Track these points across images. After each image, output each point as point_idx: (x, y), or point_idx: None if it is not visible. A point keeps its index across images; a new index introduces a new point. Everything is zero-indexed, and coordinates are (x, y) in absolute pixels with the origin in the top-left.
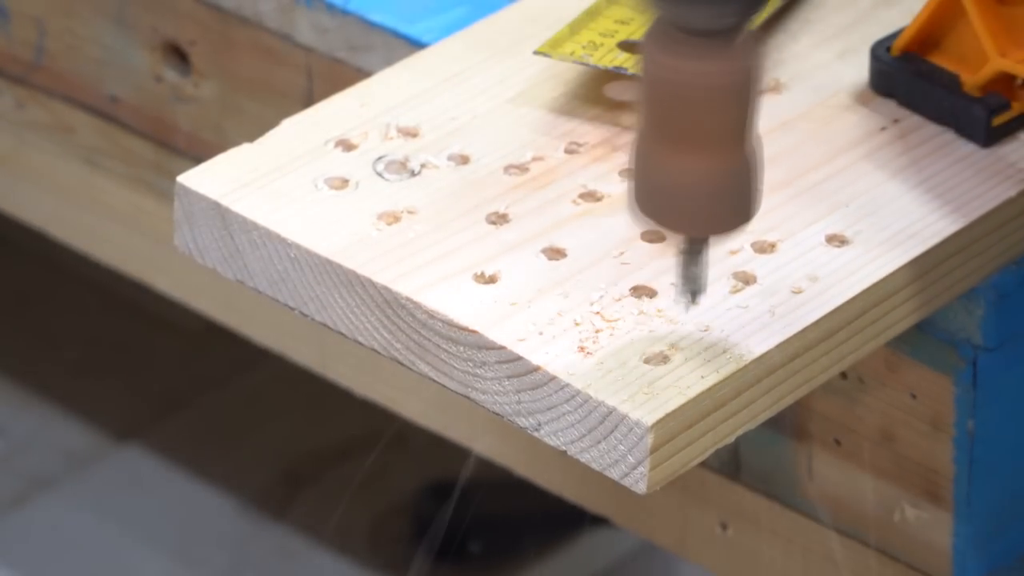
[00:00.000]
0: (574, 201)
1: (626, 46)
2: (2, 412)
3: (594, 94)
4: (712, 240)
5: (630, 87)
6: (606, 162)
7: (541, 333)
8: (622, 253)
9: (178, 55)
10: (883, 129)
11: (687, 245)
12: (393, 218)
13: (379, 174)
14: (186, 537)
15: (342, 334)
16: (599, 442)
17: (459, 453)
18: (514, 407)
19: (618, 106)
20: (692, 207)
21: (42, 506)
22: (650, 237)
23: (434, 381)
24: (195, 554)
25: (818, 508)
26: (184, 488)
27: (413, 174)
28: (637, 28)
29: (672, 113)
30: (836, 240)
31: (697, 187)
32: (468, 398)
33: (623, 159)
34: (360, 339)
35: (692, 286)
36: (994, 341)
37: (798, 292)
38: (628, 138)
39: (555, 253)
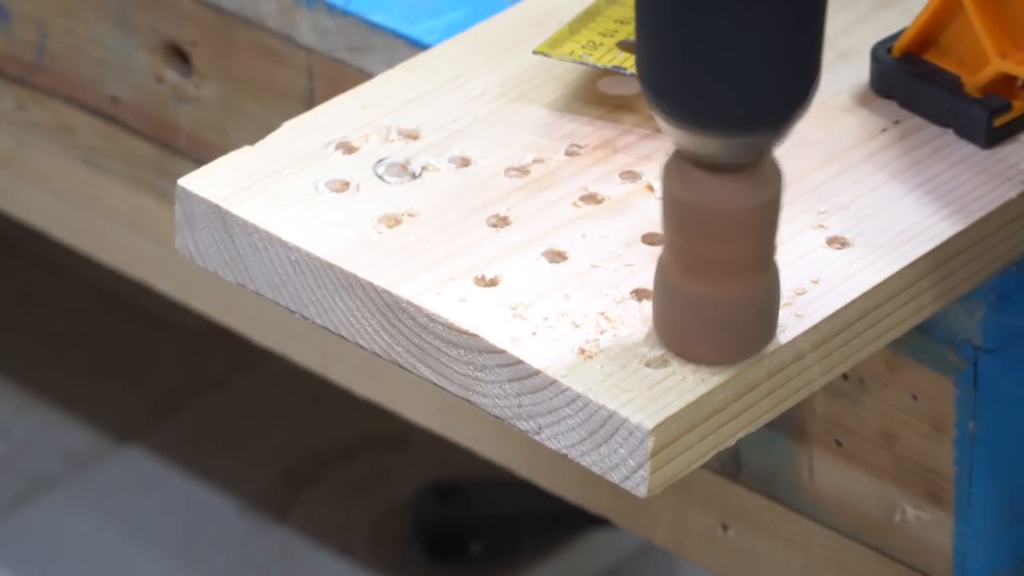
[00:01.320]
0: (575, 203)
1: (626, 45)
2: (3, 413)
3: (595, 96)
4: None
5: (627, 82)
6: (607, 164)
7: (542, 336)
8: (623, 255)
9: (179, 56)
10: (883, 131)
11: None
12: (394, 221)
13: (380, 177)
14: (187, 538)
15: (343, 337)
16: (600, 446)
17: (459, 454)
18: (515, 410)
19: (619, 108)
20: (715, 337)
21: (43, 507)
22: (651, 239)
23: (435, 384)
24: (196, 555)
25: (819, 509)
26: (185, 489)
27: (414, 177)
28: None
29: (695, 247)
30: (837, 242)
31: (719, 318)
32: (469, 401)
33: (624, 161)
34: (361, 342)
35: None
36: (995, 342)
37: (799, 294)
38: (629, 140)
39: (556, 256)
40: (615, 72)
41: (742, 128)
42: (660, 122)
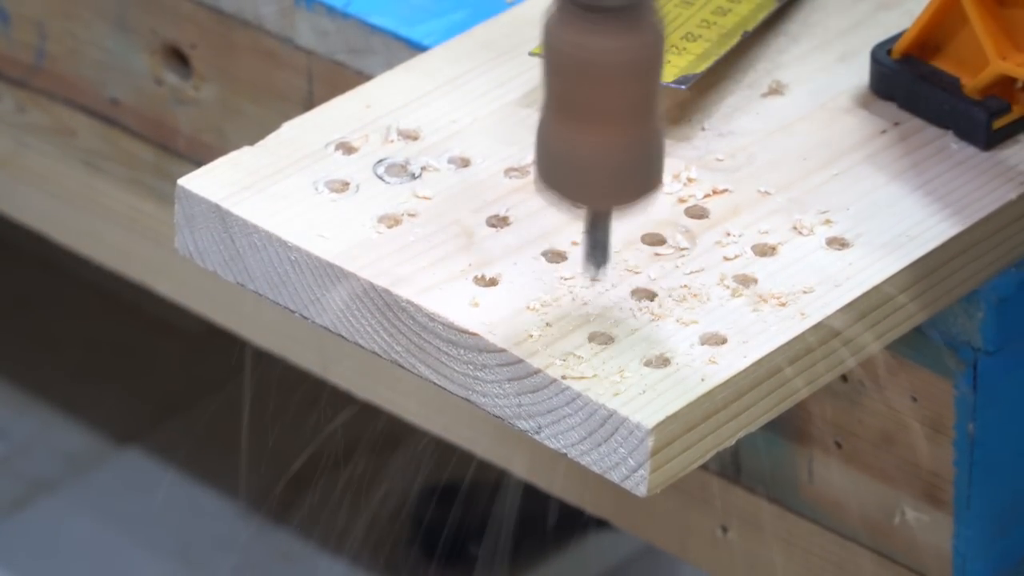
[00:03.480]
0: None
1: None
2: (2, 415)
3: None
4: (617, 211)
5: None
6: None
7: (541, 336)
8: (622, 255)
9: (179, 58)
10: (883, 132)
11: (591, 216)
12: (394, 221)
13: (380, 177)
14: (186, 540)
15: (342, 337)
16: (600, 445)
17: (459, 456)
18: (515, 410)
19: None
20: (593, 180)
21: (42, 509)
22: (651, 239)
23: (435, 384)
24: (195, 557)
25: (818, 511)
26: (184, 491)
27: (414, 177)
28: None
29: (574, 88)
30: (837, 243)
31: (598, 160)
32: (469, 401)
33: None
34: (360, 342)
35: (597, 256)
36: (994, 344)
37: (800, 294)
38: None
39: (555, 256)
40: None
41: None
42: None
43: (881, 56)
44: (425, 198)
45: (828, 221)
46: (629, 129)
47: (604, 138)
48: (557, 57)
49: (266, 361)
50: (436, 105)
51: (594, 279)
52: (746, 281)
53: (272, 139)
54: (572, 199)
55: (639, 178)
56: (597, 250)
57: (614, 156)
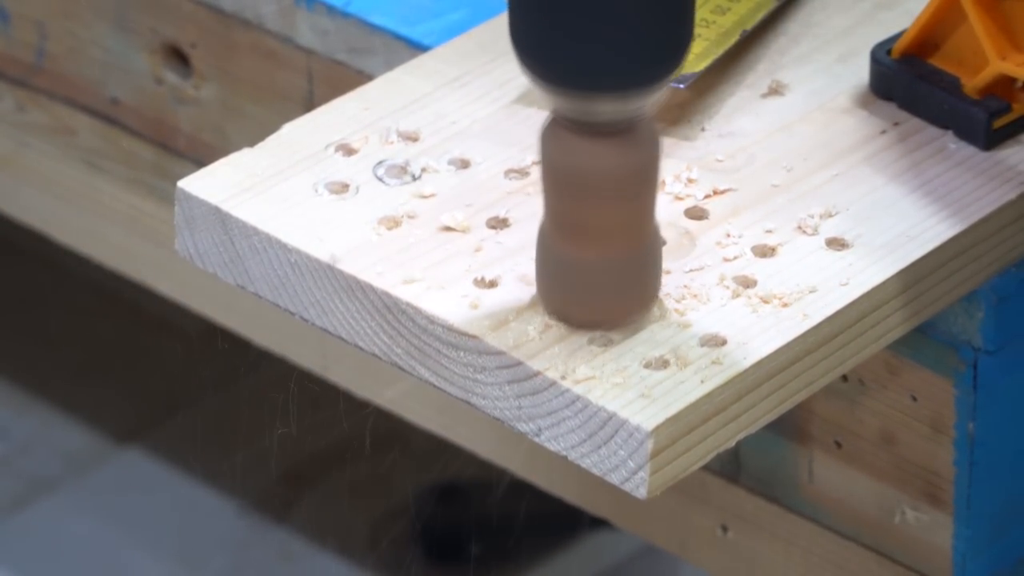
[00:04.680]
0: None
1: None
2: (3, 414)
3: None
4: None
5: None
6: None
7: (541, 338)
8: None
9: (179, 57)
10: (883, 132)
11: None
12: (393, 223)
13: (379, 178)
14: (186, 539)
15: (343, 339)
16: (599, 447)
17: (459, 455)
18: (514, 412)
19: None
20: (593, 301)
21: (42, 508)
22: None
23: (434, 386)
24: (195, 556)
25: (818, 510)
26: (184, 490)
27: (413, 178)
28: None
29: (572, 210)
30: (836, 244)
31: (597, 281)
32: (468, 403)
33: None
34: (360, 344)
35: None
36: (994, 344)
37: (798, 296)
38: None
39: None
40: None
41: (611, 89)
42: (532, 84)
43: (881, 56)
44: (426, 198)
45: (827, 222)
46: (620, 248)
47: (598, 258)
48: (552, 175)
49: (266, 361)
50: (436, 106)
51: None
52: (746, 282)
53: (272, 141)
54: (567, 322)
55: (632, 297)
56: None
57: (608, 277)
